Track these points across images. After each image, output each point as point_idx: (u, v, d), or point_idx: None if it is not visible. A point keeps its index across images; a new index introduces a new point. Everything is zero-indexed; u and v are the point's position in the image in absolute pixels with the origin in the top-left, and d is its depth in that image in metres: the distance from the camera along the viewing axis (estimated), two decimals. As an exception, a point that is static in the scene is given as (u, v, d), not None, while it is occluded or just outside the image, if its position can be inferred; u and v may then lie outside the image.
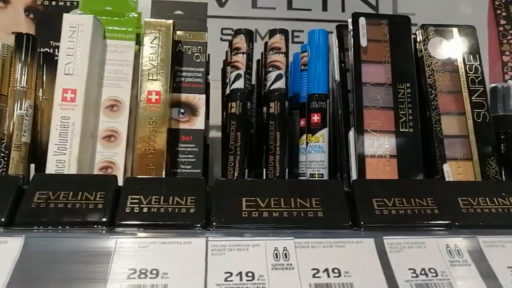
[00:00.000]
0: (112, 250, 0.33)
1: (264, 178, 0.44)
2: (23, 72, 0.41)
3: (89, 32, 0.42)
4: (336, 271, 0.32)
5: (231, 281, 0.31)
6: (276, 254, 0.34)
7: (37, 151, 0.46)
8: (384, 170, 0.42)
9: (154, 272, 0.31)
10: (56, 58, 0.48)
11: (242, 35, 0.45)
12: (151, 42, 0.42)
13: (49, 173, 0.39)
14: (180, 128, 0.44)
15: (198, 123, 0.44)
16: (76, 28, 0.41)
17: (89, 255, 0.32)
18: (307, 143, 0.44)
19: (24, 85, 0.41)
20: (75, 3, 0.62)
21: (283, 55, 0.46)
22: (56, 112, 0.40)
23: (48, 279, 0.30)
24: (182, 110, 0.44)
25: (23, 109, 0.41)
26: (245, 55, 0.44)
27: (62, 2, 0.61)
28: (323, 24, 0.84)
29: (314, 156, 0.43)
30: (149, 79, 0.41)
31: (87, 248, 0.33)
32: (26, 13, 0.61)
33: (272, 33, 0.47)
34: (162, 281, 0.31)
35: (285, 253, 0.34)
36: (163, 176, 0.41)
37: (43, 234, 0.34)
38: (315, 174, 0.43)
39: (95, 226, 0.35)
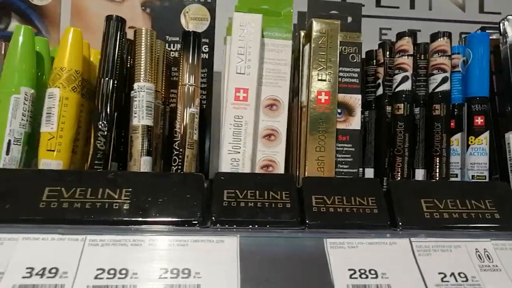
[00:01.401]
0: (322, 250, 0.33)
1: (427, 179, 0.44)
2: (192, 70, 0.42)
3: (259, 31, 0.42)
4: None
5: (448, 281, 0.31)
6: (479, 255, 0.34)
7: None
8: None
9: (373, 272, 0.31)
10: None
11: (408, 37, 0.45)
12: (319, 42, 0.42)
13: (229, 172, 0.40)
14: (337, 128, 0.44)
15: (355, 123, 0.44)
16: (246, 26, 0.41)
17: (303, 255, 0.33)
18: (468, 145, 0.44)
19: (193, 83, 0.42)
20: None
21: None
22: (229, 111, 0.41)
23: (274, 279, 0.31)
24: (339, 110, 0.44)
25: (193, 107, 0.41)
26: (411, 57, 0.44)
27: (179, -2, 0.61)
28: (411, 22, 0.84)
29: (477, 158, 0.43)
30: (318, 79, 0.42)
31: (297, 247, 0.34)
32: (142, 8, 0.61)
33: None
34: (384, 281, 0.31)
35: (487, 255, 0.34)
36: (334, 175, 0.41)
37: (255, 234, 0.34)
38: (477, 175, 0.43)
39: (287, 226, 0.36)
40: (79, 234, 0.32)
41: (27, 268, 0.29)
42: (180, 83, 0.42)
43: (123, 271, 0.30)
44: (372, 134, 0.48)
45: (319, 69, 0.42)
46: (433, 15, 0.81)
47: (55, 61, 0.41)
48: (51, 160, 0.39)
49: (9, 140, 0.39)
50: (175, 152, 0.41)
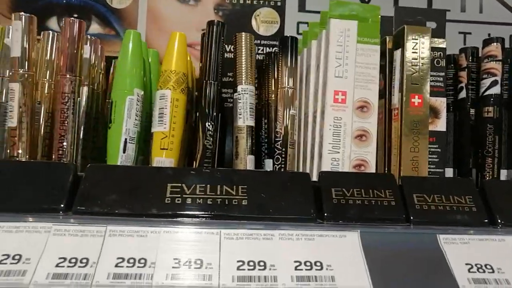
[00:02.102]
0: (436, 245, 0.35)
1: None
2: (291, 73, 0.44)
3: (355, 36, 0.44)
4: None
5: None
6: None
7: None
8: None
9: (489, 267, 0.34)
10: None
11: (496, 43, 0.47)
12: (413, 48, 0.44)
13: (333, 171, 0.42)
14: (425, 129, 0.46)
15: (440, 125, 0.46)
16: (343, 33, 0.44)
17: (418, 249, 0.35)
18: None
19: (292, 85, 0.44)
20: (261, 1, 0.64)
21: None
22: (329, 113, 0.43)
23: (399, 271, 0.33)
24: (426, 113, 0.46)
25: (292, 109, 0.43)
26: (500, 62, 0.46)
27: (249, 1, 0.64)
28: (461, 25, 0.85)
29: None
30: (412, 84, 0.44)
31: (410, 243, 0.36)
32: (215, 11, 0.63)
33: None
34: (501, 276, 0.33)
35: None
36: (427, 175, 0.43)
37: (371, 229, 0.36)
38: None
39: (394, 223, 0.38)
40: (214, 227, 0.34)
41: (175, 259, 0.32)
42: (279, 85, 0.44)
43: (261, 263, 0.32)
44: (451, 135, 0.50)
45: (412, 74, 0.44)
46: (484, 18, 0.83)
47: (164, 64, 0.43)
48: (164, 158, 0.41)
49: (125, 139, 0.41)
50: (277, 152, 0.43)
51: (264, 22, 0.63)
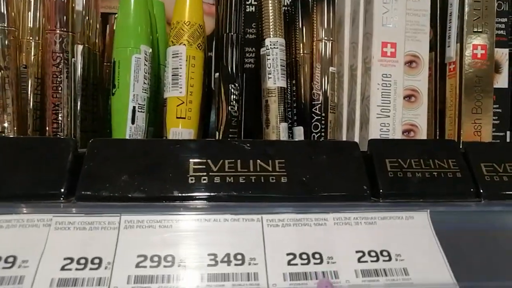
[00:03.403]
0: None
1: None
2: (328, 23, 0.37)
3: (405, -24, 0.36)
4: None
5: None
6: None
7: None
8: None
9: None
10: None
11: None
12: (475, -12, 0.37)
13: (384, 139, 0.35)
14: (483, 87, 0.39)
15: (502, 81, 0.40)
16: (393, -29, 0.36)
17: (496, 228, 0.29)
18: None
19: (330, 37, 0.36)
20: None
21: None
22: (376, 69, 0.36)
23: (481, 256, 0.27)
24: (484, 67, 0.39)
25: (333, 66, 0.36)
26: None
27: None
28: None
29: None
30: (473, 31, 0.37)
31: (485, 221, 0.30)
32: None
33: None
34: None
35: None
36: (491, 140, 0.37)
37: (439, 207, 0.30)
38: None
39: (462, 197, 0.32)
40: (253, 213, 0.28)
41: (210, 254, 0.26)
42: (315, 38, 0.37)
43: (317, 256, 0.26)
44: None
45: (474, 19, 0.37)
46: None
47: (175, 15, 0.35)
48: (182, 129, 0.35)
49: (134, 107, 0.34)
50: (316, 117, 0.36)
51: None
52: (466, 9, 0.37)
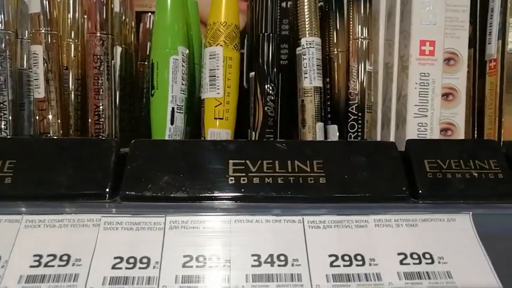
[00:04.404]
0: None
1: None
2: (365, 21, 0.36)
3: (445, -29, 0.36)
4: None
5: None
6: None
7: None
8: None
9: None
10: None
11: None
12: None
13: (422, 139, 0.35)
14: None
15: (543, 78, 0.39)
16: (432, -32, 0.35)
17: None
18: None
19: (366, 35, 0.36)
20: None
21: None
22: (414, 68, 0.35)
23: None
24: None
25: (369, 64, 0.36)
26: None
27: None
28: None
29: None
30: (517, 27, 0.36)
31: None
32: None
33: None
34: None
35: None
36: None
37: (481, 209, 0.30)
38: None
39: (505, 199, 0.32)
40: (294, 214, 0.28)
41: (253, 255, 0.26)
42: (351, 36, 0.37)
43: (359, 257, 0.26)
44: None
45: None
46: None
47: (212, 15, 0.36)
48: (219, 129, 0.35)
49: (173, 108, 0.35)
50: (352, 117, 0.36)
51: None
52: (509, 4, 0.36)
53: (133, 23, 0.45)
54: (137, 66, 0.48)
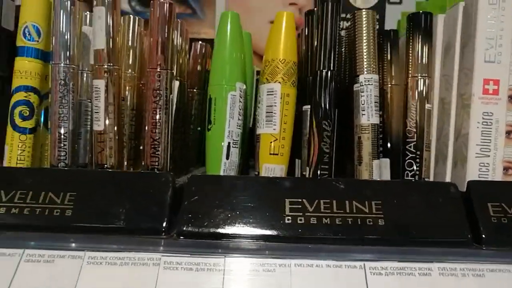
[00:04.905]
0: None
1: None
2: (426, 58, 0.36)
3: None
4: None
5: None
6: None
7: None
8: None
9: None
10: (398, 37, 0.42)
11: None
12: None
13: (485, 180, 0.34)
14: None
15: None
16: (497, 5, 0.34)
17: None
18: None
19: (425, 73, 0.36)
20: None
21: None
22: (477, 107, 0.34)
23: None
24: None
25: (429, 102, 0.35)
26: None
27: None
28: None
29: None
30: None
31: None
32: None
33: None
34: None
35: None
36: None
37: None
38: None
39: None
40: (355, 260, 0.28)
41: (315, 303, 0.26)
42: (410, 73, 0.36)
43: (425, 310, 0.25)
44: None
45: None
46: None
47: (270, 52, 0.36)
48: (275, 165, 0.35)
49: (229, 143, 0.35)
50: (410, 155, 0.35)
51: (361, -8, 0.55)
52: None
53: (187, 54, 0.46)
54: (188, 94, 0.48)
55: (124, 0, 0.56)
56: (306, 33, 0.40)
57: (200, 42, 0.50)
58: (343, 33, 0.43)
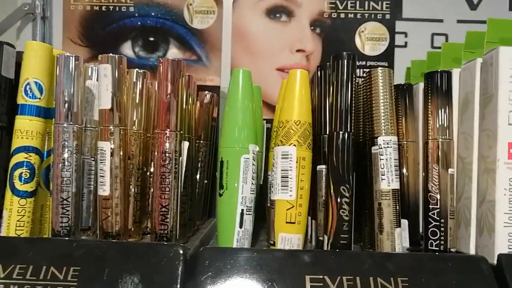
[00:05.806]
0: None
1: None
2: (447, 119, 0.34)
3: (532, 71, 0.33)
4: None
5: None
6: None
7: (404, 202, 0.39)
8: None
9: None
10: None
11: None
12: None
13: (516, 252, 0.32)
14: None
15: None
16: (519, 66, 0.33)
17: None
18: None
19: (447, 136, 0.34)
20: (366, 15, 0.54)
21: None
22: (503, 172, 0.33)
23: None
24: None
25: (451, 167, 0.34)
26: None
27: (352, 14, 0.54)
28: None
29: None
30: None
31: None
32: (311, 28, 0.54)
33: None
34: None
35: None
36: None
37: None
38: None
39: None
40: None
41: None
42: (429, 136, 0.35)
43: None
44: None
45: None
46: None
47: (285, 113, 0.34)
48: (292, 234, 0.33)
49: (242, 210, 0.33)
50: (433, 223, 0.33)
51: (370, 39, 0.54)
52: None
53: (197, 108, 0.44)
54: (194, 144, 0.47)
55: (127, 46, 0.55)
56: (319, 89, 0.39)
57: (207, 92, 0.49)
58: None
